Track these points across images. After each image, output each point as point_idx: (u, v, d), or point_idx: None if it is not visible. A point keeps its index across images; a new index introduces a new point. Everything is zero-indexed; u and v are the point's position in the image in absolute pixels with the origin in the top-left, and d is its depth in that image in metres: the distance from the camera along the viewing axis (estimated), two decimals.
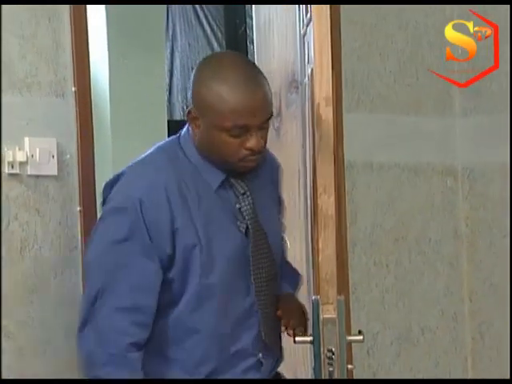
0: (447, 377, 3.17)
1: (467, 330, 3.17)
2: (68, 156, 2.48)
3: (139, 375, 2.09)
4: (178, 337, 2.15)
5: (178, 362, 2.16)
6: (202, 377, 2.16)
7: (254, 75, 2.08)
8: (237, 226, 2.15)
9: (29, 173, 2.47)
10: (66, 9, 2.49)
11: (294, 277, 2.43)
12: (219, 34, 5.54)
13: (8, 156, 2.45)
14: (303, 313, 2.25)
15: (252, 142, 2.02)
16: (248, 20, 5.28)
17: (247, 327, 2.16)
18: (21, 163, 2.48)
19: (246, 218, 2.17)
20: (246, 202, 2.16)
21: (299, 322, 2.21)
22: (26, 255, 2.48)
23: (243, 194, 2.15)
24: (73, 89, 2.48)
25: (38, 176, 2.46)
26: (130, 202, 2.07)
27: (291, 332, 2.18)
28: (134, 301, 2.07)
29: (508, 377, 3.04)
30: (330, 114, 2.47)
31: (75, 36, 2.50)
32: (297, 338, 2.13)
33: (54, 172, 2.49)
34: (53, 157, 2.47)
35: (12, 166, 2.46)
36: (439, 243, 3.12)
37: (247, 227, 2.15)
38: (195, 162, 2.13)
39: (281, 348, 2.30)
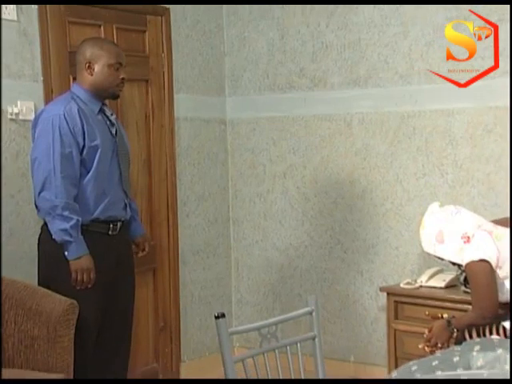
0: (219, 217, 4.13)
1: (228, 195, 4.33)
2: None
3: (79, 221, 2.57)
4: (85, 193, 2.69)
5: (86, 206, 2.66)
6: (99, 211, 2.66)
7: (113, 42, 2.81)
8: (110, 131, 2.76)
9: (20, 118, 3.26)
10: (36, 36, 3.13)
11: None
12: None
13: (10, 110, 3.25)
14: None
15: (123, 74, 2.73)
16: None
17: (118, 185, 2.80)
18: (16, 113, 3.27)
19: (114, 125, 2.77)
20: (114, 117, 2.81)
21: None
22: (20, 160, 3.22)
23: (111, 114, 2.81)
24: (41, 78, 3.29)
25: (24, 120, 3.23)
26: (56, 117, 2.62)
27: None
28: (72, 171, 2.63)
29: None
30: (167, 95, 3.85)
31: (42, 50, 3.28)
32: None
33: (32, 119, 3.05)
34: (32, 111, 3.22)
35: (11, 114, 3.26)
36: (215, 156, 4.25)
37: (116, 131, 2.77)
38: (84, 99, 2.72)
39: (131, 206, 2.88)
